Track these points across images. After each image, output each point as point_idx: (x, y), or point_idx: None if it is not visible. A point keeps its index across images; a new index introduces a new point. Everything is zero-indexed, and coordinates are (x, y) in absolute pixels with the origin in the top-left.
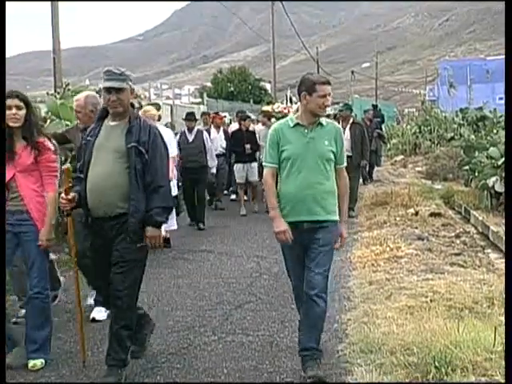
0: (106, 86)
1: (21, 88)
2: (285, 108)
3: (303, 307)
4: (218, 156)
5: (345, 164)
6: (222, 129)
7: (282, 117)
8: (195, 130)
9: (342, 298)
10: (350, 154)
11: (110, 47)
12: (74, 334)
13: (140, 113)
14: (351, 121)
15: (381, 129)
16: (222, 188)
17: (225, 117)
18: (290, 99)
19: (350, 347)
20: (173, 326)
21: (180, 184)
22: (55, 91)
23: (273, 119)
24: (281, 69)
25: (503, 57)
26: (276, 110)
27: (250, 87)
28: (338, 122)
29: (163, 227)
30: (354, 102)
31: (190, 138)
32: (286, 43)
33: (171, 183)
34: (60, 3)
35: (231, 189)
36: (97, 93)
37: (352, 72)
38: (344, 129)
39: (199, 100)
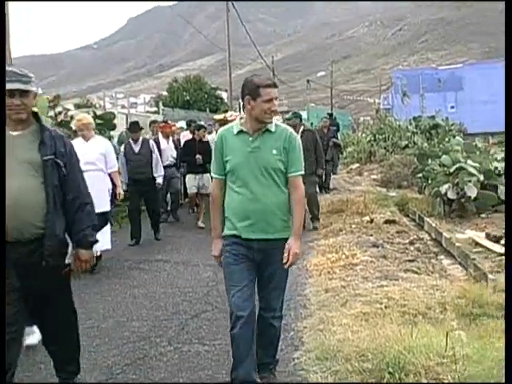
0: (10, 88)
1: None
2: (236, 116)
3: (258, 327)
4: (168, 166)
5: (300, 172)
6: (171, 138)
7: None
8: (140, 139)
9: (298, 305)
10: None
11: (64, 55)
12: (24, 350)
13: (73, 122)
14: (301, 129)
15: (337, 137)
16: (176, 198)
17: (175, 126)
18: (243, 107)
19: (305, 355)
20: (128, 337)
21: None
22: None
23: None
24: (237, 77)
25: (454, 66)
26: (229, 119)
27: (206, 96)
28: None
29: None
30: (310, 110)
31: (136, 148)
32: (242, 52)
33: (106, 198)
34: (11, 10)
35: (187, 200)
36: (50, 102)
37: (308, 81)
38: None
39: (155, 109)
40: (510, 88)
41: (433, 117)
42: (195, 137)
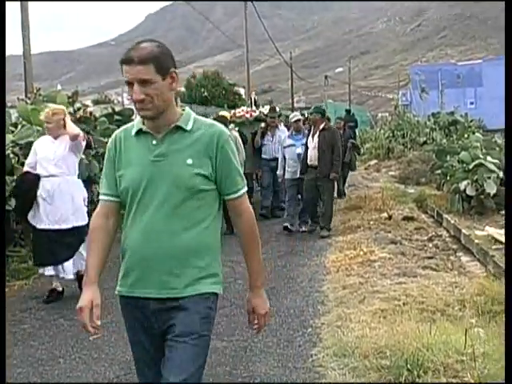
0: None
1: None
2: (247, 112)
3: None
4: None
5: (243, 190)
6: None
7: (242, 123)
8: None
9: (315, 302)
10: (315, 163)
11: (82, 52)
12: (45, 342)
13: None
14: (321, 126)
15: (354, 138)
16: None
17: None
18: (255, 101)
19: (323, 351)
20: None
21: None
22: (26, 96)
23: (231, 125)
24: (255, 73)
25: (473, 62)
26: (237, 115)
27: (224, 92)
28: (310, 127)
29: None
30: (328, 106)
31: None
32: (259, 48)
33: (82, 210)
34: (31, 7)
35: None
36: (69, 98)
37: (325, 77)
38: (313, 135)
39: None
40: (510, 88)
41: (452, 113)
42: None
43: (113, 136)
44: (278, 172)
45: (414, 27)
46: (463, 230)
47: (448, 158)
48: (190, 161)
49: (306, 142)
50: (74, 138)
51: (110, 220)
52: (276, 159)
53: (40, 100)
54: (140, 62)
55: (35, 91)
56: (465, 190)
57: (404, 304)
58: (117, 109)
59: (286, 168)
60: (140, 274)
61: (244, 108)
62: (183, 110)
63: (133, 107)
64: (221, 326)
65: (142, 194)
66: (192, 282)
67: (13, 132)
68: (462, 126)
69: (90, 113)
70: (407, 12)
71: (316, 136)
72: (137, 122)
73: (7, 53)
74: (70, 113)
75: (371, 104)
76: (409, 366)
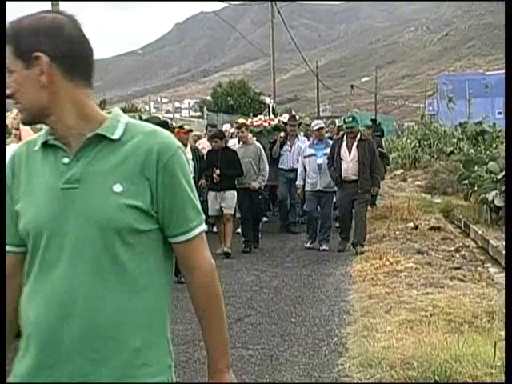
0: None
1: None
2: (265, 121)
3: None
4: None
5: (195, 232)
6: (189, 146)
7: (259, 132)
8: None
9: (341, 311)
10: (355, 178)
11: (110, 61)
12: None
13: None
14: (358, 137)
15: (382, 147)
16: None
17: (191, 131)
18: (273, 110)
19: (349, 361)
20: (172, 340)
21: None
22: None
23: (249, 134)
24: (281, 83)
25: (502, 71)
26: (255, 124)
27: (249, 101)
28: (342, 138)
29: None
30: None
31: None
32: (286, 57)
33: None
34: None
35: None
36: (99, 105)
37: (351, 86)
38: (350, 147)
39: (199, 114)
40: (509, 90)
41: (480, 123)
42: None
43: (11, 154)
44: (297, 182)
45: (441, 37)
46: (491, 241)
47: (475, 168)
48: (118, 187)
49: (333, 153)
50: None
51: (11, 281)
52: (294, 170)
53: None
54: (5, 40)
55: None
56: (493, 200)
57: (431, 315)
58: (144, 117)
59: (307, 179)
60: (44, 360)
61: (261, 116)
62: (109, 112)
63: (159, 115)
64: (246, 335)
65: (46, 240)
66: (126, 367)
67: None
68: (490, 136)
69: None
70: (434, 21)
71: (354, 147)
72: (45, 131)
73: None
74: None
75: (397, 113)
76: (437, 377)
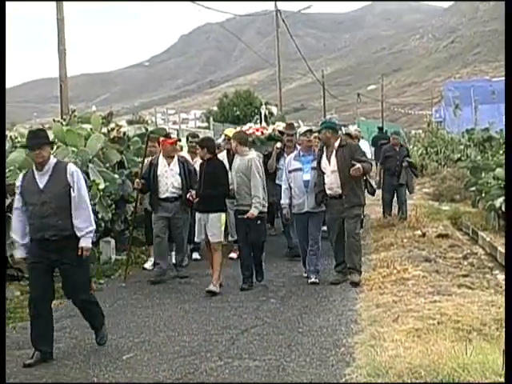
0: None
1: (28, 115)
2: (257, 129)
3: None
4: (168, 200)
5: None
6: (175, 158)
7: (252, 142)
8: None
9: (348, 320)
10: (338, 191)
11: (117, 73)
12: (79, 361)
13: None
14: (337, 144)
15: (410, 156)
16: (180, 247)
17: (179, 141)
18: (265, 117)
19: (357, 371)
20: (179, 351)
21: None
22: (61, 118)
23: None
24: (287, 92)
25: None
26: (248, 133)
27: (256, 111)
28: (322, 148)
29: None
30: (361, 124)
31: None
32: (291, 66)
33: None
34: (67, 30)
35: (190, 246)
36: (103, 119)
37: (358, 94)
38: (329, 156)
39: (206, 124)
40: (510, 89)
41: (486, 129)
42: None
43: None
44: (281, 201)
45: (446, 44)
46: (499, 248)
47: (483, 174)
48: None
49: (320, 166)
50: None
51: None
52: None
53: (75, 121)
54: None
55: (70, 113)
56: (500, 206)
57: (439, 323)
58: (150, 128)
59: (292, 200)
60: None
61: (251, 124)
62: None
63: (166, 127)
64: (253, 346)
65: None
66: None
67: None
68: (497, 143)
69: (124, 133)
70: (440, 29)
71: (333, 157)
72: None
73: (44, 75)
74: (103, 133)
75: (404, 121)
76: None
